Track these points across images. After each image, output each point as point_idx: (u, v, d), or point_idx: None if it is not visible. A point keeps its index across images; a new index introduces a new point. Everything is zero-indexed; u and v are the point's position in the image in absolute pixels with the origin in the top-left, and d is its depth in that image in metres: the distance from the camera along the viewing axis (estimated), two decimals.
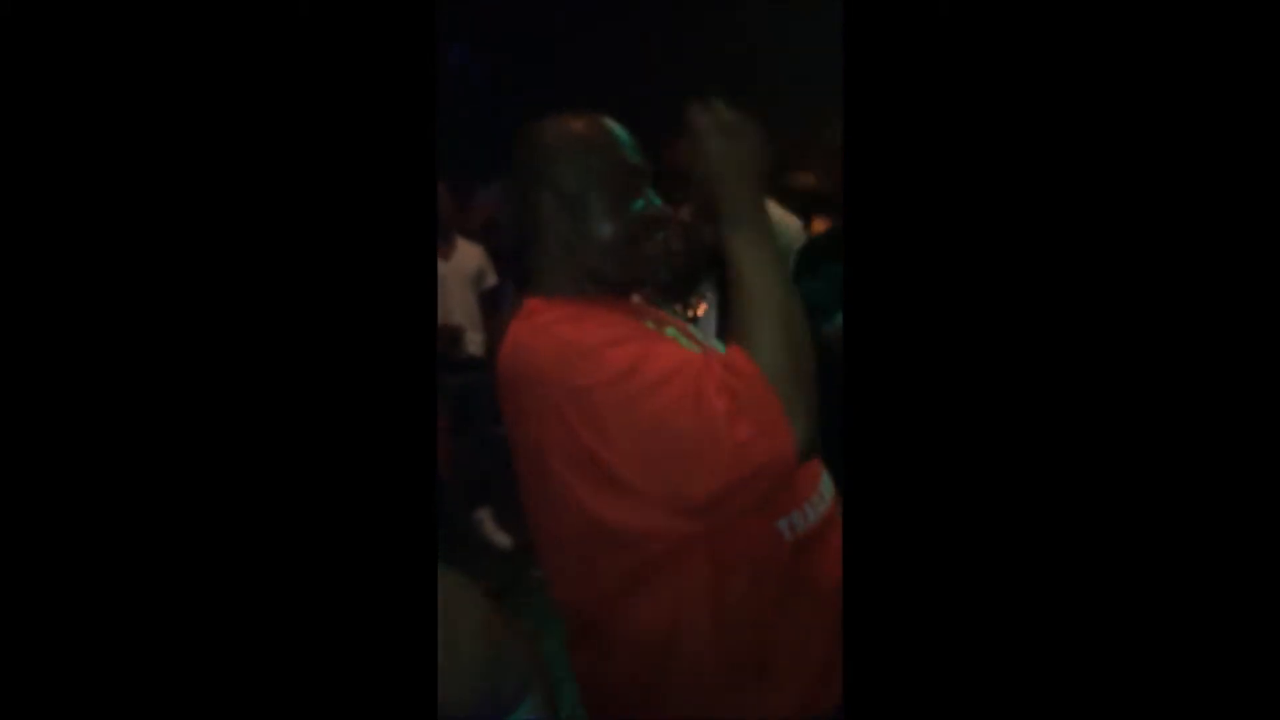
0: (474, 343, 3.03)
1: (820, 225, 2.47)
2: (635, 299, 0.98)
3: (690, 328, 1.02)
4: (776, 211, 2.35)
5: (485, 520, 3.18)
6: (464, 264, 3.07)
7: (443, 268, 2.93)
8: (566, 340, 0.81)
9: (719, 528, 0.80)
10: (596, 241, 0.89)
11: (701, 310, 1.51)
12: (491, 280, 3.14)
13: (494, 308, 3.12)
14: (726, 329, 0.81)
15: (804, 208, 2.44)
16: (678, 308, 1.49)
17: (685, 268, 0.94)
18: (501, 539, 3.13)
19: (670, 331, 0.91)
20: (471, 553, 2.99)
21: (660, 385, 0.75)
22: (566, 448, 0.79)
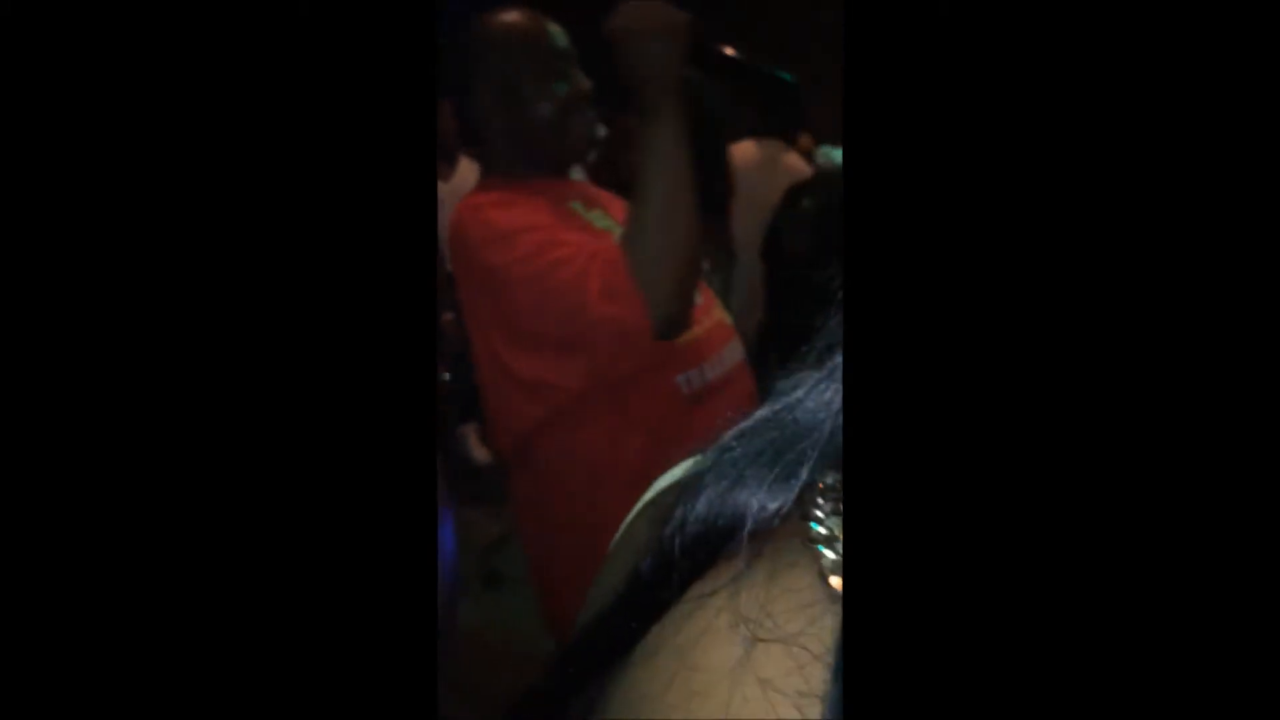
0: None
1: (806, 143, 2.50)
2: (577, 177, 1.14)
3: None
4: (791, 156, 2.35)
5: (470, 434, 3.26)
6: (465, 184, 3.07)
7: (443, 189, 2.95)
8: (490, 222, 0.99)
9: (618, 380, 0.96)
10: (525, 123, 1.02)
11: None
12: None
13: None
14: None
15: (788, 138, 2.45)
16: None
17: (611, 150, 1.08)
18: (481, 454, 3.22)
19: (596, 213, 1.04)
20: (451, 464, 3.07)
21: (555, 268, 0.92)
22: (486, 311, 0.99)
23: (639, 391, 1.00)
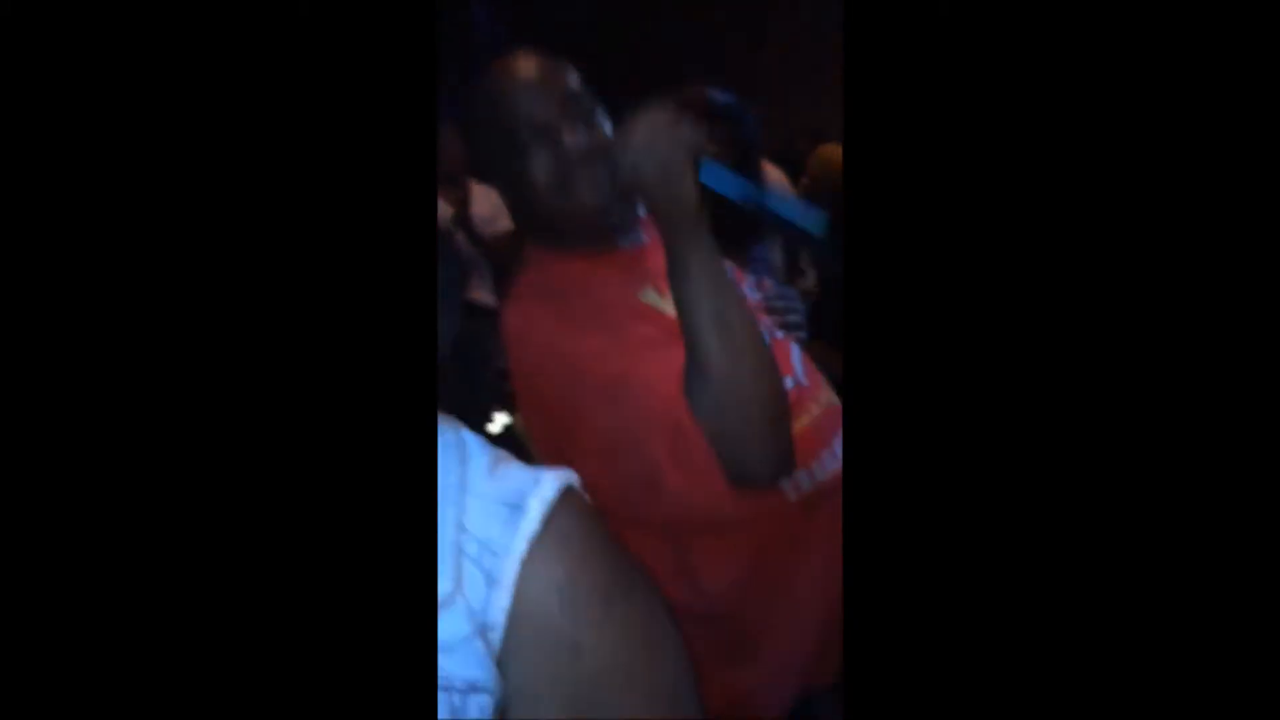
0: (481, 288, 3.02)
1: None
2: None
3: None
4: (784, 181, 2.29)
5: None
6: (476, 210, 3.03)
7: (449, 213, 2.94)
8: (557, 349, 0.83)
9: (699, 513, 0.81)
10: (531, 183, 0.88)
11: None
12: (505, 224, 3.01)
13: (508, 253, 3.11)
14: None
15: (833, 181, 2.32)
16: None
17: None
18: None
19: (650, 296, 0.90)
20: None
21: (631, 407, 0.78)
22: (547, 421, 0.86)
23: (739, 508, 0.81)
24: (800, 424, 0.87)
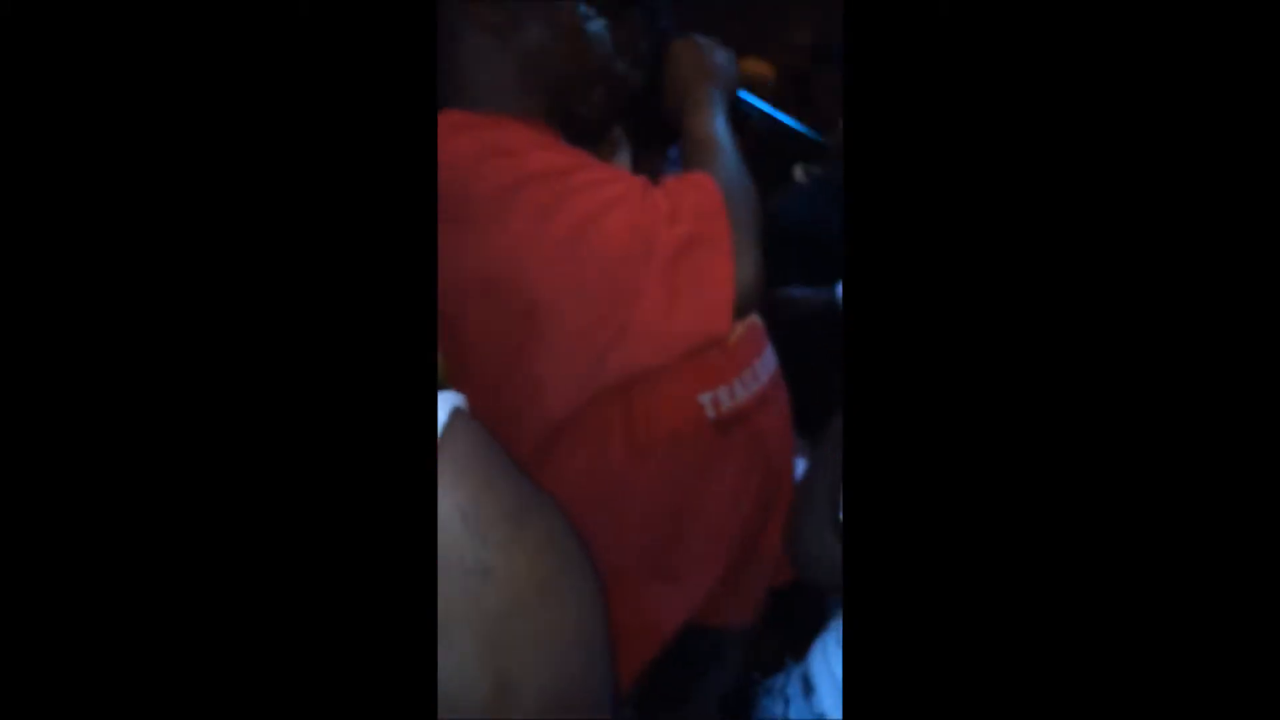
0: None
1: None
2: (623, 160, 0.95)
3: None
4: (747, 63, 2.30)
5: None
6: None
7: None
8: (488, 140, 0.70)
9: (624, 390, 0.75)
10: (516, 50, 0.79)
11: None
12: None
13: None
14: None
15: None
16: None
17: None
18: None
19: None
20: None
21: (593, 191, 0.68)
22: (480, 270, 0.69)
23: (651, 411, 0.78)
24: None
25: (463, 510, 0.49)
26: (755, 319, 0.89)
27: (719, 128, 0.82)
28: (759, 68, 2.49)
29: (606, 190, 0.69)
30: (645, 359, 0.71)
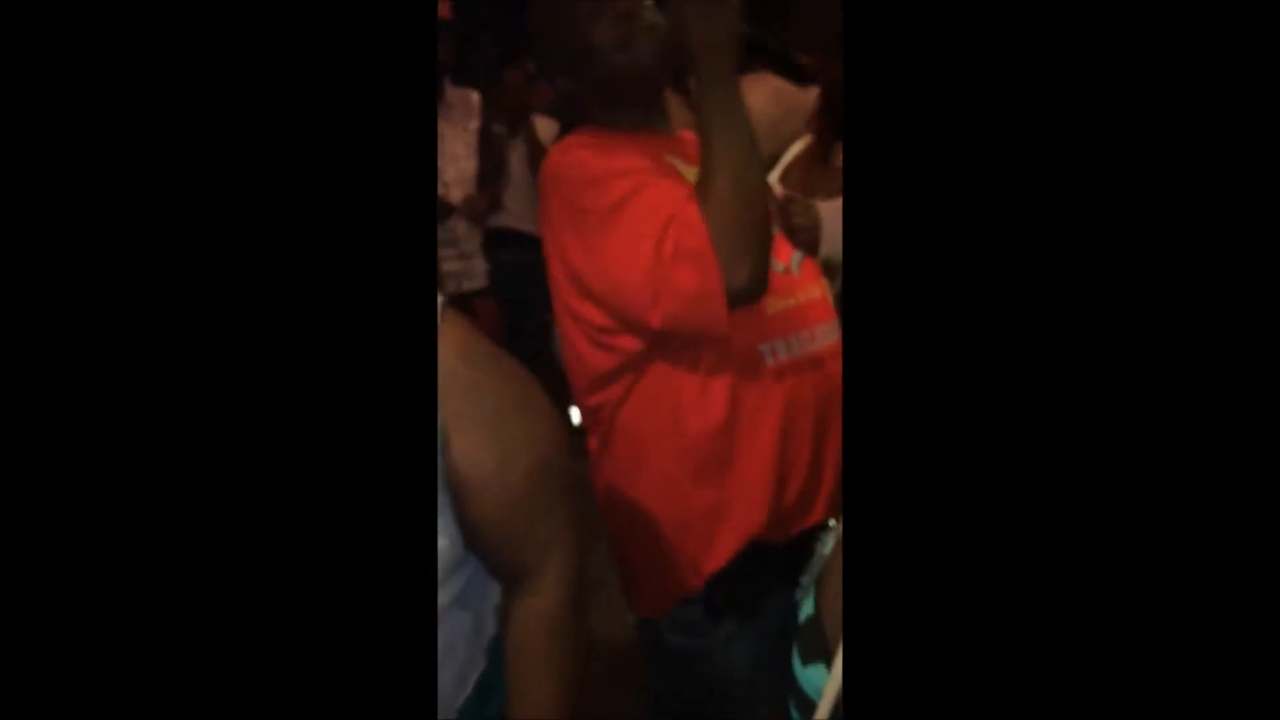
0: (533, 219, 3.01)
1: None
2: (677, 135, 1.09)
3: None
4: (783, 84, 2.28)
5: None
6: (454, 115, 2.97)
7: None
8: (583, 163, 0.98)
9: (691, 341, 0.95)
10: (592, 56, 1.00)
11: None
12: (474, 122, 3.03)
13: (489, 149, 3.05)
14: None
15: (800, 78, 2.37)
16: None
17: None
18: None
19: (694, 171, 0.99)
20: None
21: (637, 221, 0.91)
22: (564, 254, 0.98)
23: (716, 355, 0.97)
24: (783, 304, 1.02)
25: (460, 351, 0.74)
26: (826, 296, 1.08)
27: (728, 119, 0.89)
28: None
29: (655, 201, 0.92)
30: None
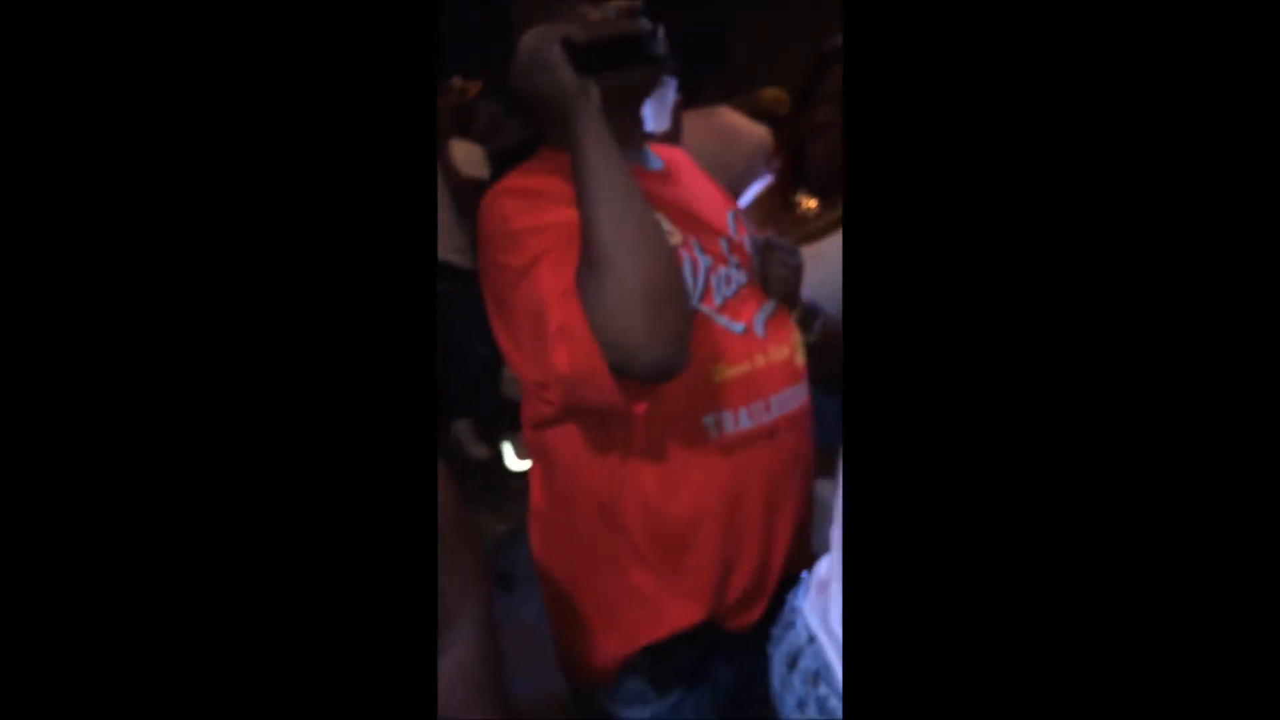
0: (452, 248, 2.92)
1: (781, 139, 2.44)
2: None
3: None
4: (741, 120, 2.29)
5: (465, 429, 3.22)
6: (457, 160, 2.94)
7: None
8: (504, 216, 0.87)
9: (645, 397, 0.82)
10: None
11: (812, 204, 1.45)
12: (475, 171, 2.96)
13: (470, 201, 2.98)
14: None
15: (769, 120, 2.39)
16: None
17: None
18: (478, 450, 3.18)
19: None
20: (448, 460, 3.03)
21: (537, 288, 0.80)
22: (492, 304, 0.89)
23: (647, 426, 0.87)
24: (737, 370, 0.90)
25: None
26: (793, 357, 0.97)
27: (596, 160, 0.77)
28: (773, 94, 2.50)
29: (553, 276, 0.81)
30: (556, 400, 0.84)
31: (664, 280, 0.76)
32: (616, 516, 0.91)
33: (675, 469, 0.89)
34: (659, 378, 0.79)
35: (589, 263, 0.76)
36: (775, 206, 1.51)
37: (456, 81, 3.00)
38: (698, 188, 1.03)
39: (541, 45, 0.80)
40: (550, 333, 0.78)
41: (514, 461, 2.99)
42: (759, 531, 0.93)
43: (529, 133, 0.98)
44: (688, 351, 0.79)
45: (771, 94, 2.58)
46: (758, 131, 2.25)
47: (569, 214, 0.81)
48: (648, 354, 0.75)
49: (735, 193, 1.45)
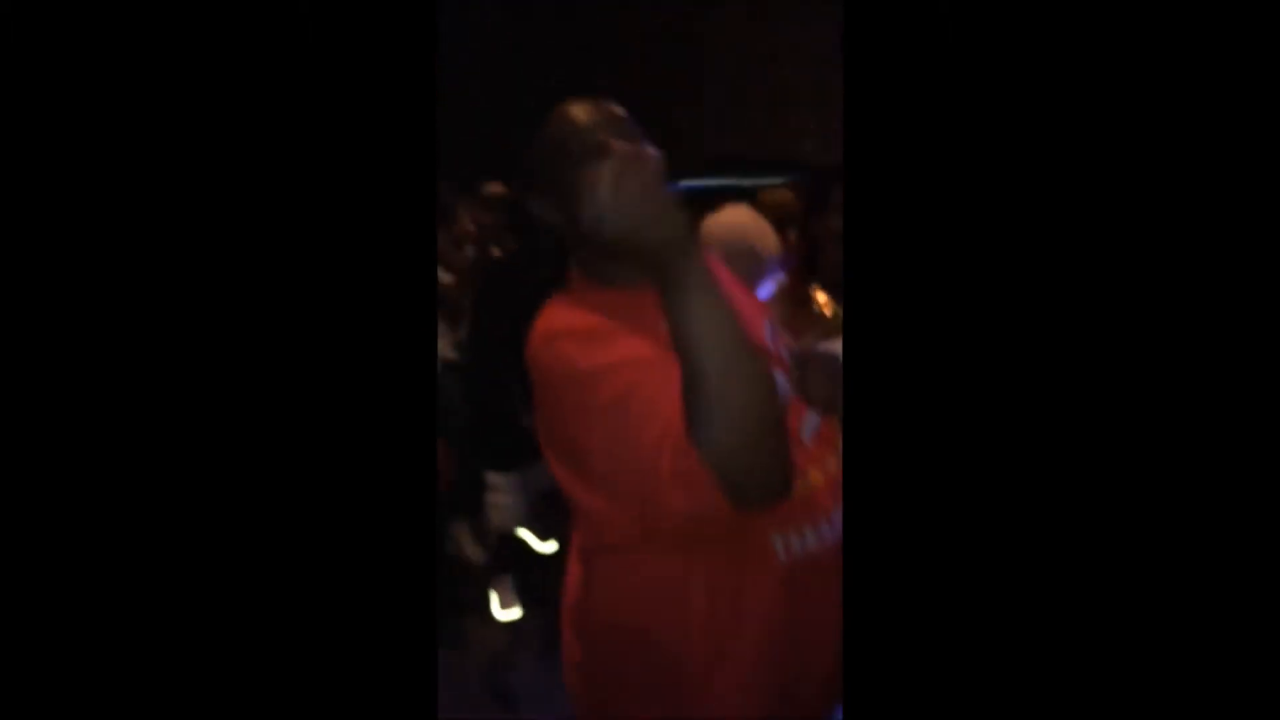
0: (443, 345, 2.91)
1: (793, 238, 2.47)
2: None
3: None
4: (751, 218, 2.32)
5: (463, 533, 3.14)
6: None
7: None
8: (568, 359, 0.83)
9: (702, 528, 0.79)
10: (580, 202, 0.79)
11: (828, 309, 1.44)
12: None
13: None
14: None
15: (778, 221, 2.42)
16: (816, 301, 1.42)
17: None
18: (475, 553, 3.09)
19: None
20: (444, 566, 2.94)
21: (631, 430, 0.77)
22: (560, 441, 0.86)
23: (715, 545, 0.83)
24: (802, 485, 0.87)
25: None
26: (839, 466, 0.92)
27: (702, 304, 0.73)
28: (779, 195, 2.55)
29: (648, 408, 0.78)
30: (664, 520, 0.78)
31: (771, 413, 0.75)
32: (662, 644, 0.86)
33: (736, 593, 0.85)
34: (774, 504, 0.78)
35: (700, 407, 0.72)
36: (792, 306, 1.50)
37: (494, 188, 3.04)
38: (737, 298, 1.00)
39: (649, 189, 0.73)
40: (664, 479, 0.74)
41: (500, 611, 2.87)
42: (826, 654, 0.88)
43: (553, 268, 0.96)
44: (794, 473, 0.78)
45: (779, 195, 2.62)
46: (763, 228, 2.28)
47: (634, 348, 0.80)
48: (767, 489, 0.75)
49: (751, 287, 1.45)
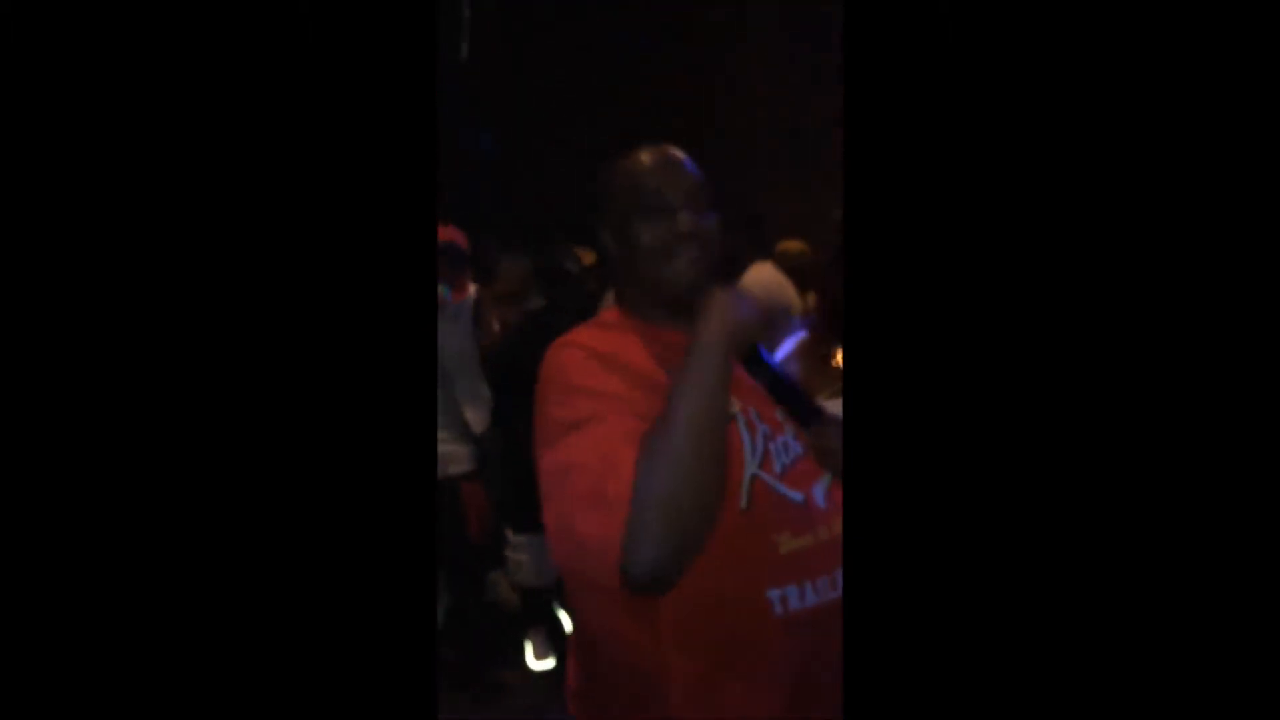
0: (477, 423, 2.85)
1: (812, 297, 2.49)
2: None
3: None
4: (776, 277, 2.34)
5: (499, 581, 3.16)
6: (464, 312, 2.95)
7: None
8: (565, 369, 0.90)
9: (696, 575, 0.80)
10: (636, 252, 0.94)
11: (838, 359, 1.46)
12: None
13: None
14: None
15: (798, 276, 2.44)
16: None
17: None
18: (511, 601, 3.11)
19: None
20: (479, 610, 2.96)
21: (579, 450, 0.82)
22: (538, 446, 0.89)
23: (712, 597, 0.84)
24: (800, 543, 0.88)
25: None
26: None
27: (707, 376, 0.83)
28: (793, 245, 2.59)
29: (597, 443, 0.83)
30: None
31: (711, 506, 0.79)
32: (663, 699, 0.87)
33: (727, 647, 0.85)
34: (647, 587, 0.78)
35: (657, 450, 0.77)
36: (814, 363, 1.52)
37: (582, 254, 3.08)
38: (741, 388, 1.04)
39: (700, 270, 0.89)
40: (582, 494, 0.78)
41: (534, 661, 2.88)
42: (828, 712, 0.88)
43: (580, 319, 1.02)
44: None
45: (795, 246, 2.65)
46: (785, 285, 2.31)
47: (625, 388, 0.85)
48: (658, 564, 0.75)
49: (770, 347, 1.47)
